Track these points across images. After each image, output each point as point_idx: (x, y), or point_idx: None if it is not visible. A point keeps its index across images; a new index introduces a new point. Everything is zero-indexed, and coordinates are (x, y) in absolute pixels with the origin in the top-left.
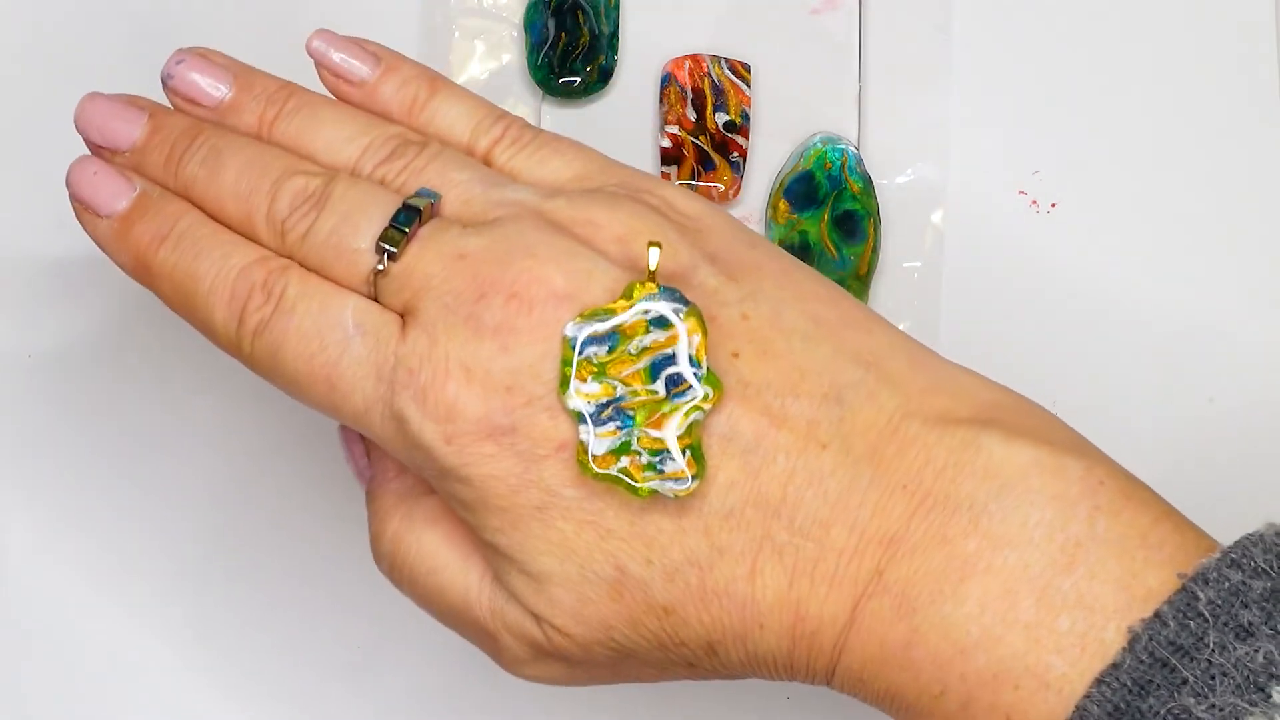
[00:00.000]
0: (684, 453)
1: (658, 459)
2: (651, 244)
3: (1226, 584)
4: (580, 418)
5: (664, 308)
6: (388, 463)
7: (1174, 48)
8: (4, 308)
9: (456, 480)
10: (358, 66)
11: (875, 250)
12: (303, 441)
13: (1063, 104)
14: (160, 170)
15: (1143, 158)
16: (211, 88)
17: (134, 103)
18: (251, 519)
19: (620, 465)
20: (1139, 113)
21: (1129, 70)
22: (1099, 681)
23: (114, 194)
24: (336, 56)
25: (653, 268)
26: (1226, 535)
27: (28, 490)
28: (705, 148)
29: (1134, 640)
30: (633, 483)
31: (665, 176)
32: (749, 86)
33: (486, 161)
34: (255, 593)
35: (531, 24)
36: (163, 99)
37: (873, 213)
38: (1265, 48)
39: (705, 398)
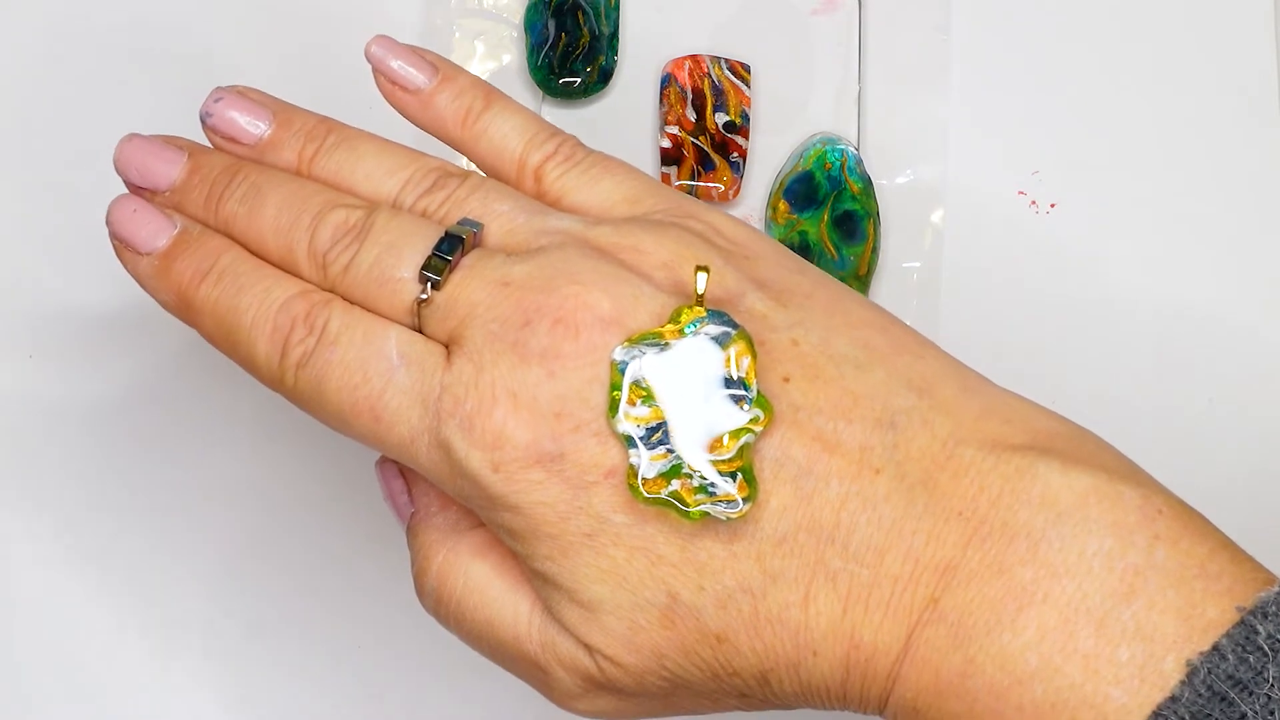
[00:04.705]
0: (735, 475)
1: (708, 482)
2: (699, 269)
3: None
4: (630, 441)
5: (712, 331)
6: (431, 497)
7: (1174, 48)
8: (8, 311)
9: (505, 509)
10: (415, 75)
11: (875, 250)
12: (322, 441)
13: (1063, 104)
14: (200, 209)
15: (1142, 158)
16: (250, 125)
17: (172, 142)
18: (268, 519)
19: (671, 489)
20: (1139, 113)
21: (1129, 71)
22: (1156, 715)
23: (154, 232)
24: (395, 63)
25: (700, 292)
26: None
27: (32, 492)
28: (705, 148)
29: (1192, 673)
30: (684, 506)
31: (665, 177)
32: (749, 87)
33: (537, 178)
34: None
35: (532, 24)
36: (202, 138)
37: (872, 213)
38: (1265, 48)
39: (755, 420)
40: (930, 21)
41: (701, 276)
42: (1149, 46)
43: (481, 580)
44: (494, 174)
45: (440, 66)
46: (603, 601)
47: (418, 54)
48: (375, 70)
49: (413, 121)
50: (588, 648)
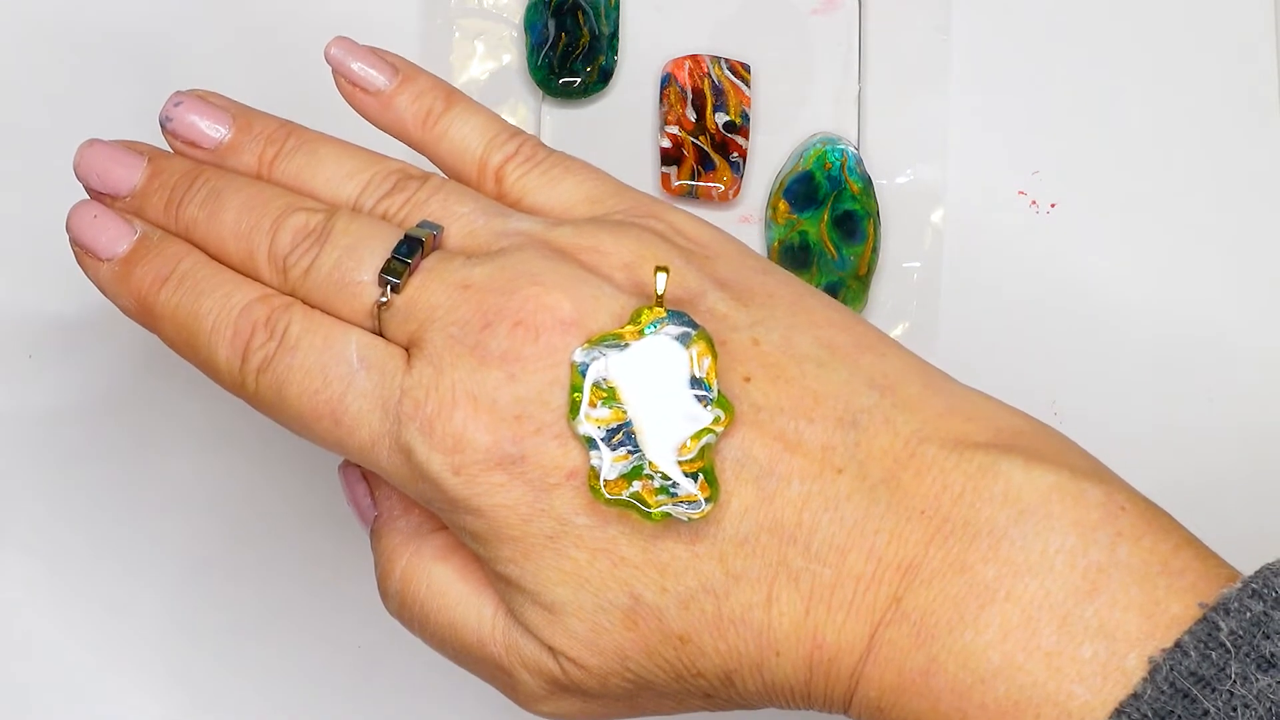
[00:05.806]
0: (696, 476)
1: (670, 483)
2: (659, 269)
3: (1248, 614)
4: (591, 443)
5: (672, 331)
6: (394, 501)
7: (1174, 48)
8: (6, 314)
9: (467, 511)
10: (375, 76)
11: (875, 250)
12: (285, 446)
13: (1063, 104)
14: (161, 214)
15: (1142, 158)
16: (210, 129)
17: (132, 148)
18: (251, 521)
19: (632, 490)
20: (1139, 113)
21: (1129, 71)
22: (1119, 711)
23: (114, 237)
24: (354, 65)
25: (660, 292)
26: (1225, 537)
27: (28, 492)
28: (705, 148)
29: (1155, 670)
30: (645, 507)
31: (665, 177)
32: (749, 86)
33: (498, 179)
34: (254, 595)
35: (531, 24)
36: (162, 142)
37: (872, 213)
38: (1265, 48)
39: (716, 420)
40: (930, 21)
41: (661, 277)
42: (1149, 46)
43: (444, 583)
44: (455, 175)
45: (400, 67)
46: (565, 603)
47: (377, 55)
48: (335, 72)
49: (373, 123)
50: (551, 650)
